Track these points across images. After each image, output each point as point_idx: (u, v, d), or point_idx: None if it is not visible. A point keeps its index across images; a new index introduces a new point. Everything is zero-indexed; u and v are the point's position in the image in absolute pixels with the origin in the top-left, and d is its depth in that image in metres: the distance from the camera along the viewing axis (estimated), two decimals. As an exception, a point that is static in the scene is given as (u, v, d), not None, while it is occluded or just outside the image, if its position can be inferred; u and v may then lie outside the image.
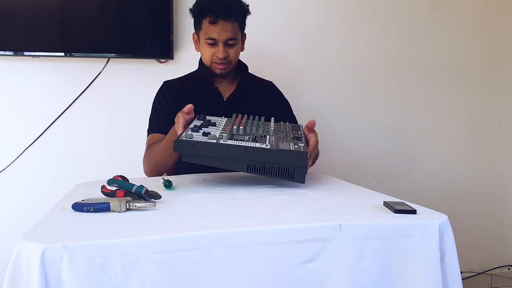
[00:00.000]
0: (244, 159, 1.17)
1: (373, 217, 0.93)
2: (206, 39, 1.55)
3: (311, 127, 1.32)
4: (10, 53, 1.94)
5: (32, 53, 1.95)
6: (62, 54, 1.99)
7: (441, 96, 2.45)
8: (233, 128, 1.28)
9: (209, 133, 1.22)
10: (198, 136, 1.20)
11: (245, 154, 1.16)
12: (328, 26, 2.29)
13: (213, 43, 1.54)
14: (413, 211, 0.95)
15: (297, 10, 2.25)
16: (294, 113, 1.74)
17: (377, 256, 0.88)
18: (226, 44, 1.55)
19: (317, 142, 1.30)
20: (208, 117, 1.39)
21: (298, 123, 1.71)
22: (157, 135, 1.59)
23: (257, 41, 2.19)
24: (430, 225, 0.90)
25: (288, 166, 1.17)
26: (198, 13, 1.55)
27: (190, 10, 1.60)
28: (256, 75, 1.77)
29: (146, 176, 1.60)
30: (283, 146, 1.20)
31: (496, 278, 2.57)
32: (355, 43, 2.33)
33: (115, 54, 2.03)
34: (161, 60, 2.09)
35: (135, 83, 2.09)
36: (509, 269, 2.59)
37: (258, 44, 2.19)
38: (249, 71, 1.72)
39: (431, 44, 2.41)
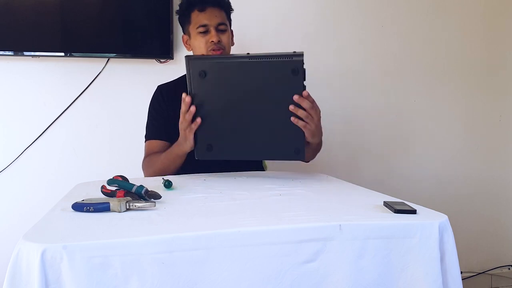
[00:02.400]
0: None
1: (373, 217, 0.92)
2: (197, 28, 1.56)
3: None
4: (10, 53, 1.94)
5: (32, 53, 1.95)
6: (62, 54, 1.98)
7: (441, 96, 2.45)
8: None
9: None
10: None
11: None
12: (328, 26, 2.29)
13: (205, 30, 1.56)
14: (413, 211, 0.95)
15: (297, 10, 2.25)
16: None
17: (377, 256, 0.88)
18: (217, 30, 1.57)
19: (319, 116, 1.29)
20: None
21: None
22: (155, 142, 1.60)
23: (257, 41, 2.19)
24: (430, 225, 0.90)
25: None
26: (186, 6, 1.59)
27: (177, 11, 1.63)
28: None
29: None
30: None
31: (496, 278, 2.57)
32: (355, 43, 2.32)
33: (115, 54, 2.03)
34: (161, 60, 2.09)
35: (135, 83, 2.09)
36: (509, 269, 2.59)
37: (259, 44, 2.19)
38: None
39: (431, 44, 2.41)
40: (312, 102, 1.25)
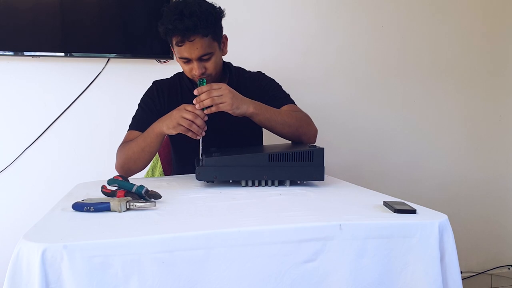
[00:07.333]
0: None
1: (373, 217, 0.93)
2: (179, 57, 1.47)
3: None
4: (10, 53, 1.94)
5: (32, 53, 1.95)
6: (62, 54, 1.98)
7: (441, 96, 2.45)
8: None
9: None
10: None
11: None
12: (328, 26, 2.29)
13: (187, 61, 1.46)
14: (413, 211, 0.95)
15: (297, 10, 2.25)
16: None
17: (377, 255, 0.88)
18: (200, 60, 1.44)
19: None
20: None
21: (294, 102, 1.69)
22: (136, 133, 1.54)
23: (258, 41, 2.19)
24: (430, 225, 0.90)
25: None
26: (164, 33, 1.45)
27: (158, 27, 1.48)
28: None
29: (116, 171, 1.53)
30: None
31: (496, 278, 2.57)
32: (355, 43, 2.33)
33: (115, 54, 2.03)
34: (161, 60, 2.09)
35: (135, 83, 2.09)
36: (509, 269, 2.59)
37: (259, 44, 2.19)
38: (235, 66, 1.66)
39: (431, 44, 2.41)
40: (209, 88, 1.29)
